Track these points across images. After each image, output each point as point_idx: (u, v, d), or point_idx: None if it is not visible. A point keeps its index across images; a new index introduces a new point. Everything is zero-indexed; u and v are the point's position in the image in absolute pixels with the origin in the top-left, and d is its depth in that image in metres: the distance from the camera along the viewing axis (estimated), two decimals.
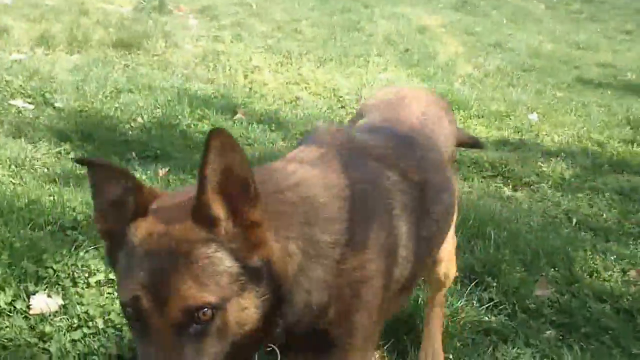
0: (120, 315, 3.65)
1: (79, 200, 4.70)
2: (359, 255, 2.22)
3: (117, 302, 3.81)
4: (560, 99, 10.68)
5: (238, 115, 7.42)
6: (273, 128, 7.31)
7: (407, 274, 2.53)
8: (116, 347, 3.44)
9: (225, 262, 1.87)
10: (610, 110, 10.42)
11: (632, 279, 5.41)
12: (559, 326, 4.61)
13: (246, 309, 1.90)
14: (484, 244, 5.27)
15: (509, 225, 5.67)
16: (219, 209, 1.87)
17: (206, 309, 1.82)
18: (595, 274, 5.34)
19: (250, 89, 8.63)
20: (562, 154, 8.16)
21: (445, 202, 2.87)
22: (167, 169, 5.64)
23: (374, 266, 2.27)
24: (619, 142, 8.98)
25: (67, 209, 4.56)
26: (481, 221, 5.60)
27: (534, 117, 9.41)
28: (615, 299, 4.99)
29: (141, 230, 1.90)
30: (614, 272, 5.45)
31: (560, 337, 4.49)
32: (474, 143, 4.50)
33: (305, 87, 9.08)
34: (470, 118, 8.82)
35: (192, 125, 6.94)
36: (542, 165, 7.78)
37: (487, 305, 4.60)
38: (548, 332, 4.51)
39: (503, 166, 7.45)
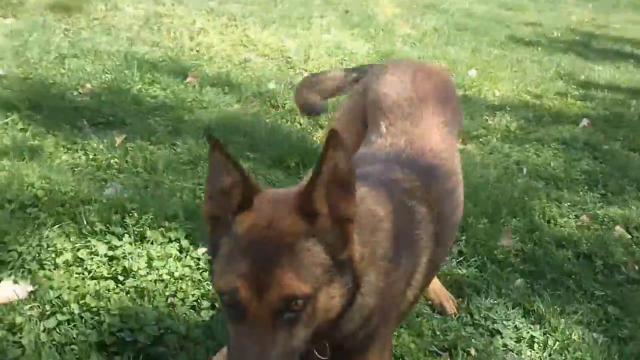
0: (97, 298, 3.29)
1: (36, 175, 4.24)
2: (395, 272, 2.33)
3: (92, 283, 3.45)
4: (496, 56, 10.63)
5: (189, 79, 6.96)
6: (226, 90, 6.89)
7: (417, 293, 2.66)
8: (97, 333, 3.07)
9: (321, 255, 1.94)
10: (543, 66, 10.49)
11: (585, 223, 5.32)
12: (527, 274, 4.46)
13: (334, 298, 1.97)
14: None
15: (468, 179, 5.44)
16: (322, 204, 1.95)
17: (302, 298, 1.87)
18: (552, 221, 5.22)
19: (198, 51, 8.13)
20: (507, 107, 8.08)
21: (453, 227, 2.97)
22: (123, 136, 5.19)
23: (401, 285, 2.43)
24: (554, 95, 9.01)
25: (25, 184, 4.09)
26: None
27: (473, 73, 9.32)
28: (574, 245, 4.89)
29: (246, 222, 1.95)
30: (569, 218, 5.35)
31: (529, 285, 4.34)
32: None
33: (253, 49, 8.63)
34: None
35: (143, 90, 6.46)
36: (487, 118, 7.65)
37: (457, 259, 4.41)
38: (517, 281, 4.35)
39: None
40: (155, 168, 4.78)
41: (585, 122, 7.94)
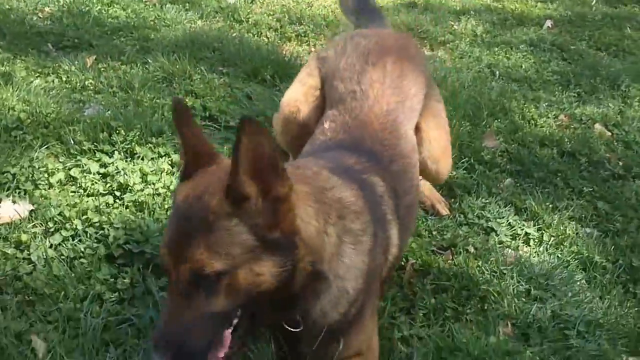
0: (98, 213, 3.32)
1: (15, 98, 4.19)
2: (374, 249, 2.48)
3: (90, 200, 3.48)
4: None
5: None
6: (187, 7, 6.81)
7: (394, 262, 2.84)
8: (104, 247, 3.11)
9: (242, 235, 2.01)
10: None
11: (564, 123, 5.50)
12: (514, 174, 4.63)
13: (260, 275, 2.04)
14: None
15: (444, 83, 5.55)
16: (250, 187, 2.00)
17: (212, 273, 1.98)
18: (532, 122, 5.38)
19: None
20: (470, 11, 8.16)
21: (410, 208, 3.05)
22: (93, 57, 5.13)
23: (380, 259, 2.60)
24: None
25: (6, 108, 4.05)
26: None
27: None
28: (557, 143, 5.05)
29: (183, 192, 2.09)
30: (548, 118, 5.51)
31: (518, 185, 4.50)
32: None
33: None
34: None
35: (103, 11, 6.34)
36: (453, 24, 7.72)
37: None
38: (507, 181, 4.51)
39: (418, 28, 7.30)
40: (132, 87, 4.76)
41: (548, 23, 8.10)
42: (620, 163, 4.96)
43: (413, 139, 3.27)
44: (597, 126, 5.48)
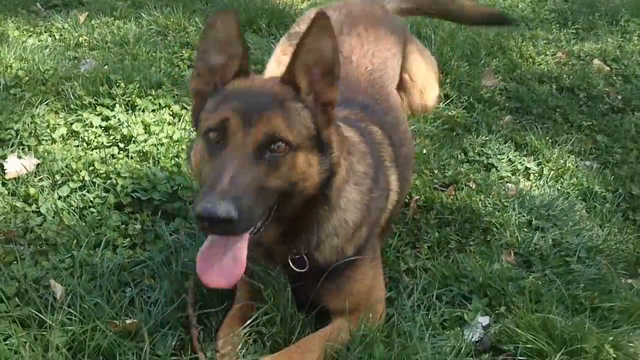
0: (104, 164, 3.45)
1: (12, 56, 4.29)
2: (375, 189, 2.69)
3: (95, 152, 3.61)
4: None
5: None
6: None
7: (392, 211, 3.03)
8: (113, 196, 3.25)
9: (308, 120, 2.26)
10: None
11: (562, 60, 5.60)
12: (514, 111, 4.76)
13: (312, 166, 2.26)
14: (427, 45, 5.23)
15: (441, 25, 5.63)
16: (301, 80, 2.27)
17: (283, 143, 2.15)
18: (530, 59, 5.49)
19: None
20: None
21: (407, 159, 3.24)
22: (86, 14, 5.22)
23: (382, 202, 2.81)
24: None
25: (4, 67, 4.16)
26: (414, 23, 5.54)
27: None
28: (555, 80, 5.17)
29: (242, 84, 2.28)
30: (546, 55, 5.62)
31: (518, 121, 4.63)
32: None
33: None
34: None
35: None
36: None
37: (444, 102, 4.65)
38: (506, 118, 4.64)
39: None
40: (126, 41, 4.85)
41: None
42: (619, 97, 5.08)
43: (398, 97, 3.52)
44: (596, 61, 5.59)
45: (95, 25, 5.09)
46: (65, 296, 2.60)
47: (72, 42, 4.83)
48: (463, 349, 2.54)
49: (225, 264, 2.15)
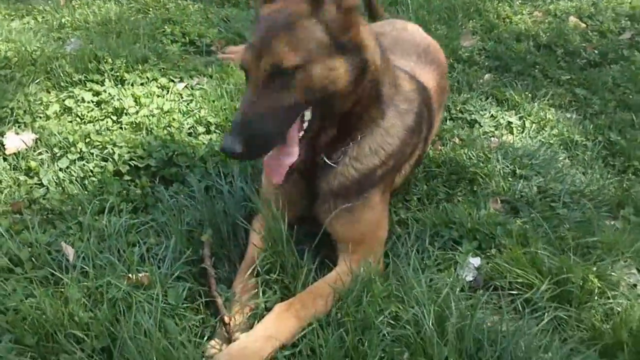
0: (100, 135, 3.64)
1: (1, 37, 4.46)
2: (411, 135, 3.04)
3: (89, 125, 3.79)
4: None
5: None
6: None
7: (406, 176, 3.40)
8: (112, 164, 3.44)
9: (318, 33, 2.50)
10: None
11: (539, 18, 5.83)
12: (493, 69, 4.98)
13: (334, 70, 2.52)
14: (403, 12, 5.46)
15: None
16: None
17: (290, 66, 2.43)
18: (507, 19, 5.71)
19: None
20: None
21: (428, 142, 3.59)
22: None
23: (409, 150, 3.13)
24: None
25: None
26: None
27: None
28: (533, 38, 5.41)
29: (267, 8, 2.60)
30: (522, 15, 5.84)
31: (497, 79, 4.86)
32: None
33: None
34: None
35: None
36: None
37: None
38: (486, 76, 4.87)
39: None
40: (108, 20, 5.01)
41: None
42: (596, 51, 5.33)
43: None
44: (572, 18, 5.82)
45: (77, 6, 5.24)
46: (76, 258, 2.79)
47: (54, 23, 4.98)
48: (457, 285, 2.77)
49: (276, 171, 2.64)
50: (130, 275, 2.65)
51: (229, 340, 2.54)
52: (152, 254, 2.87)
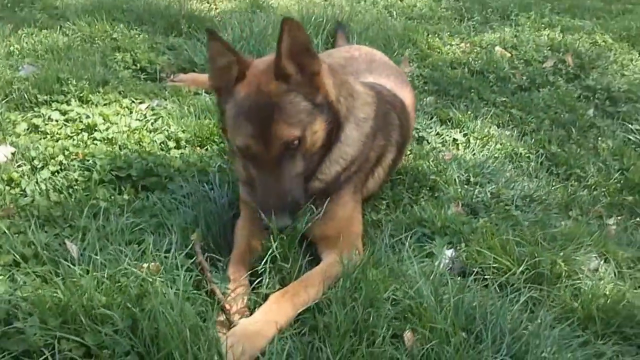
0: (78, 147, 3.84)
1: None
2: (371, 140, 3.43)
3: (67, 140, 3.98)
4: None
5: None
6: None
7: (380, 182, 3.80)
8: (96, 172, 3.63)
9: (302, 103, 2.94)
10: None
11: (466, 49, 6.36)
12: (434, 93, 5.44)
13: (317, 132, 3.01)
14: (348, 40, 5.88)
15: (354, 21, 6.32)
16: (290, 67, 2.90)
17: (295, 140, 2.90)
18: (439, 49, 6.22)
19: None
20: None
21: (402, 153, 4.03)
22: (11, 26, 5.54)
23: (373, 155, 3.52)
24: None
25: None
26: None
27: None
28: (465, 65, 5.91)
29: (242, 91, 2.95)
30: (451, 45, 6.36)
31: (438, 102, 5.31)
32: None
33: None
34: None
35: None
36: None
37: None
38: (428, 98, 5.31)
39: None
40: (57, 49, 5.19)
41: None
42: (524, 77, 5.86)
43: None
44: (497, 48, 6.37)
45: (23, 34, 5.40)
46: (80, 255, 2.98)
47: (3, 51, 5.12)
48: (438, 271, 3.10)
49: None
50: (143, 264, 2.86)
51: (229, 327, 2.77)
52: (156, 249, 3.06)
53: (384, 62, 4.47)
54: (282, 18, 2.85)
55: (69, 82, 4.49)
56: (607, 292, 3.13)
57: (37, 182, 3.57)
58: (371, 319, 2.72)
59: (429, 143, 4.69)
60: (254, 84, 2.94)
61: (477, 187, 4.12)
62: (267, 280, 2.98)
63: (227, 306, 2.84)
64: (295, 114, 2.92)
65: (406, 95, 4.12)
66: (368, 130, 3.40)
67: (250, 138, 2.91)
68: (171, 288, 2.70)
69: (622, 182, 4.39)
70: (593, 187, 4.33)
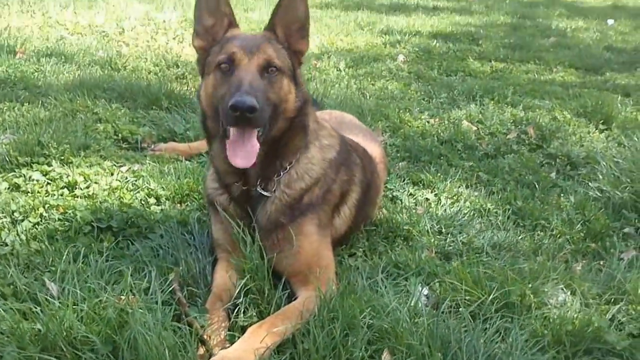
0: (59, 201, 3.85)
1: None
2: (333, 170, 3.53)
3: (44, 197, 3.99)
4: None
5: (19, 55, 7.36)
6: (62, 60, 7.36)
7: (347, 224, 3.80)
8: (77, 222, 3.63)
9: (287, 57, 3.19)
10: (342, 20, 11.75)
11: (435, 123, 6.52)
12: (406, 159, 5.53)
13: (290, 92, 3.19)
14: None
15: (329, 97, 6.50)
16: (280, 32, 3.21)
17: (275, 68, 3.10)
18: (409, 122, 6.36)
19: (9, 34, 8.32)
20: (328, 53, 9.23)
21: (372, 200, 4.14)
22: None
23: (336, 187, 3.58)
24: (363, 41, 10.28)
25: None
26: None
27: None
28: (434, 136, 6.04)
29: (237, 31, 3.27)
30: (421, 120, 6.51)
31: (410, 167, 5.40)
32: None
33: (65, 29, 9.03)
34: None
35: None
36: (316, 62, 8.73)
37: None
38: (400, 164, 5.40)
39: None
40: (39, 121, 5.25)
41: (401, 57, 9.32)
42: (490, 146, 5.99)
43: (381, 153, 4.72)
44: (465, 122, 6.53)
45: (5, 108, 5.47)
46: (61, 291, 2.96)
47: None
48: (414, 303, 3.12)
49: (245, 152, 3.03)
50: (122, 296, 2.84)
51: (209, 358, 2.75)
52: (135, 287, 3.05)
53: (353, 123, 4.61)
54: None
55: (50, 145, 4.54)
56: (575, 319, 3.15)
57: (17, 234, 3.56)
58: (349, 342, 2.72)
59: (402, 202, 4.73)
60: (246, 32, 3.30)
61: (449, 236, 4.17)
62: (244, 312, 2.98)
63: (206, 336, 2.83)
64: (282, 55, 3.16)
65: (374, 150, 4.25)
66: (331, 157, 3.52)
67: (239, 47, 3.08)
68: (151, 316, 2.69)
69: (584, 231, 4.43)
70: (558, 235, 4.36)
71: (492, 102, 7.48)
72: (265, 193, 3.27)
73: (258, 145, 3.04)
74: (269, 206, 3.29)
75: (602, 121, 6.82)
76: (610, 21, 13.61)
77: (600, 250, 4.19)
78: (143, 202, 4.11)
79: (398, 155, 5.58)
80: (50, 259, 3.33)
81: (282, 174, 3.30)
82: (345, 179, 3.63)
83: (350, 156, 3.75)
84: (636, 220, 4.57)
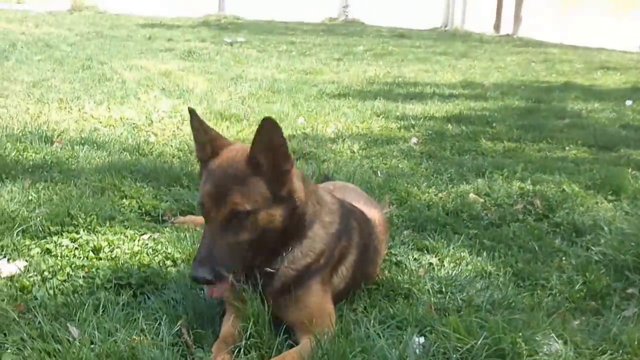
0: (84, 263, 4.17)
1: None
2: (334, 240, 3.79)
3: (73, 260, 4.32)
4: (315, 107, 11.88)
5: (56, 144, 7.79)
6: (95, 148, 7.78)
7: (344, 284, 4.02)
8: (99, 279, 3.94)
9: (264, 189, 3.29)
10: (359, 109, 11.96)
11: (441, 198, 6.76)
12: (411, 228, 5.77)
13: (273, 216, 3.34)
14: None
15: (339, 173, 6.81)
16: (263, 159, 3.27)
17: (244, 212, 3.22)
18: (415, 196, 6.62)
19: (47, 127, 8.77)
20: (343, 137, 9.52)
21: (371, 261, 4.36)
22: (30, 181, 6.02)
23: (336, 253, 3.84)
24: (379, 127, 10.57)
25: None
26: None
27: (301, 120, 10.62)
28: (441, 206, 6.29)
29: (215, 163, 3.37)
30: (428, 193, 6.77)
31: (415, 234, 5.64)
32: None
33: (96, 122, 9.51)
34: (251, 126, 9.72)
35: (19, 155, 7.16)
36: (331, 146, 9.03)
37: None
38: (405, 232, 5.64)
39: (301, 150, 8.54)
40: (70, 197, 5.61)
41: (414, 140, 9.61)
42: (495, 216, 6.21)
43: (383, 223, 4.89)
44: (471, 195, 6.77)
45: (40, 187, 5.85)
46: (82, 333, 3.25)
47: (22, 199, 5.53)
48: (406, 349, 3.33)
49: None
50: (135, 337, 3.11)
51: None
52: (146, 327, 3.33)
53: (355, 190, 4.89)
54: (264, 118, 3.24)
55: (79, 216, 4.88)
56: None
57: (46, 289, 3.87)
58: None
59: (406, 267, 4.94)
60: (226, 160, 3.34)
61: (449, 294, 4.36)
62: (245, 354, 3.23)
63: None
64: (253, 194, 3.25)
65: (374, 214, 4.51)
66: (334, 232, 3.76)
67: (207, 196, 3.26)
68: (159, 352, 2.95)
69: (585, 291, 4.59)
70: (557, 294, 4.53)
71: (500, 177, 7.69)
72: (270, 270, 3.55)
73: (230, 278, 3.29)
74: (276, 282, 3.58)
75: (610, 192, 6.99)
76: (629, 102, 13.60)
77: (600, 307, 4.34)
78: (161, 264, 4.39)
79: (404, 224, 5.81)
80: (74, 309, 3.61)
81: (285, 254, 3.57)
82: (345, 244, 3.91)
83: (349, 222, 3.99)
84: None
